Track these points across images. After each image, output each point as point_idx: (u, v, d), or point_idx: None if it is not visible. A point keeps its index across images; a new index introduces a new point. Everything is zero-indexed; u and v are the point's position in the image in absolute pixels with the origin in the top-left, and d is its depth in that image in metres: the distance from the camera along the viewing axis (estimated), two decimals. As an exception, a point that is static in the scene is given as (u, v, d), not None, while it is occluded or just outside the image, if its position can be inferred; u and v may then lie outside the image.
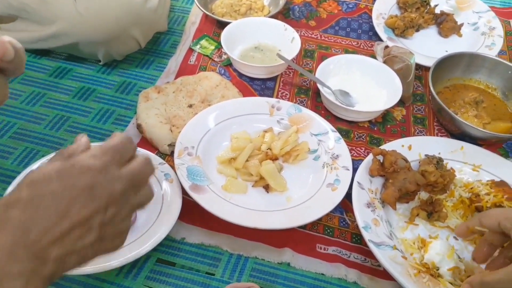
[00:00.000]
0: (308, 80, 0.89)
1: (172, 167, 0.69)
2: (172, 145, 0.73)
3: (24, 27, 0.85)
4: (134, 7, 0.81)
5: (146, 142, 0.75)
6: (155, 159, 0.71)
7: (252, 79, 0.88)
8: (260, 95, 0.86)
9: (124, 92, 0.84)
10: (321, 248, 0.65)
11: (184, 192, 0.66)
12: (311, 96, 0.86)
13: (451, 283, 0.58)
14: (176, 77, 0.87)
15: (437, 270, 0.60)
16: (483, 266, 0.59)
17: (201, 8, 0.95)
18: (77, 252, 0.33)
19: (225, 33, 0.88)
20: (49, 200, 0.32)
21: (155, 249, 0.61)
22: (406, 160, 0.70)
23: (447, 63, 0.85)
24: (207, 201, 0.65)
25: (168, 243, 0.64)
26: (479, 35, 0.98)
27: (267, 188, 0.70)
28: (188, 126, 0.74)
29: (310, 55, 0.94)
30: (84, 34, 0.80)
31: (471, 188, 0.69)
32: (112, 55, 0.86)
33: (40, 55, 0.90)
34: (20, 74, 0.47)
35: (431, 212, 0.67)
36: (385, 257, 0.59)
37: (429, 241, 0.63)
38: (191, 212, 0.67)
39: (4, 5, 0.82)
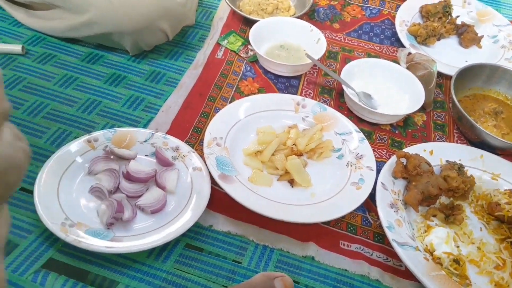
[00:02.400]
0: (331, 80, 0.91)
1: (200, 156, 0.71)
2: None
3: (57, 15, 0.86)
4: (164, 0, 0.82)
5: (176, 129, 0.77)
6: (184, 147, 0.72)
7: (277, 77, 0.90)
8: (284, 92, 0.87)
9: (154, 81, 0.86)
10: (344, 245, 0.67)
11: (211, 181, 0.68)
12: (334, 96, 0.88)
13: (447, 269, 0.63)
14: (203, 70, 0.89)
15: (434, 251, 0.64)
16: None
17: (229, 4, 0.97)
18: None
19: (253, 30, 0.89)
20: None
21: (184, 235, 0.62)
22: (429, 164, 0.72)
23: (468, 72, 0.87)
24: (235, 191, 0.66)
25: (196, 230, 0.65)
26: (498, 47, 1.00)
27: (291, 182, 0.72)
28: (217, 117, 0.75)
29: (334, 57, 0.96)
30: (114, 23, 0.81)
31: (487, 196, 0.72)
32: (141, 46, 0.87)
33: (72, 42, 0.91)
34: None
35: (449, 215, 0.70)
36: (408, 257, 0.61)
37: (433, 226, 0.67)
38: (219, 200, 0.68)
39: None
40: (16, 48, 0.86)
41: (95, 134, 0.70)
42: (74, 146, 0.68)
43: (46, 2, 0.85)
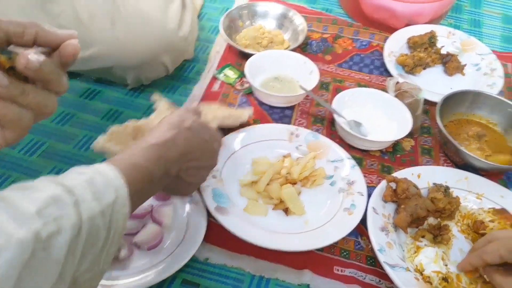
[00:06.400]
0: (323, 110, 0.95)
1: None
2: None
3: None
4: (168, 35, 0.85)
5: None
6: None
7: (271, 108, 0.94)
8: (279, 123, 0.91)
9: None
10: (338, 270, 0.69)
11: (207, 214, 0.70)
12: (326, 125, 0.92)
13: (437, 287, 0.65)
14: (200, 103, 0.93)
15: (423, 271, 0.66)
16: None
17: (227, 38, 1.02)
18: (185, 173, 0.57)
19: (249, 63, 0.94)
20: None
21: (180, 270, 0.63)
22: (417, 187, 0.75)
23: (453, 99, 0.91)
24: (231, 223, 0.68)
25: (192, 264, 0.66)
26: (481, 75, 1.04)
27: (286, 211, 0.74)
28: (213, 149, 0.79)
29: (326, 87, 1.01)
30: (119, 58, 0.84)
31: (473, 215, 0.75)
32: (141, 80, 0.91)
33: (70, 77, 0.94)
34: (61, 89, 0.47)
35: (437, 235, 0.72)
36: (399, 279, 0.63)
37: (422, 247, 0.70)
38: (215, 233, 0.70)
39: None
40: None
41: (94, 170, 0.72)
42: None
43: None
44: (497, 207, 0.76)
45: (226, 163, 0.79)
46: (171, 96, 0.94)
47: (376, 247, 0.67)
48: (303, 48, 1.09)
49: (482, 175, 0.82)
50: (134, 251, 0.65)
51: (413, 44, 1.07)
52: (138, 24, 0.83)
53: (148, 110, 0.90)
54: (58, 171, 0.77)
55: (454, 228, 0.75)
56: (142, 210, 0.69)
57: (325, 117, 0.94)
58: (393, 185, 0.75)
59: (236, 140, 0.82)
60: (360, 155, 0.87)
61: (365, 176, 0.82)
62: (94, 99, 0.91)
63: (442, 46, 1.08)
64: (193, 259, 0.66)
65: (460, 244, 0.73)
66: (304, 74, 0.96)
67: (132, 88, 0.94)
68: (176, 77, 0.98)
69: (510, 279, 0.58)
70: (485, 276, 0.64)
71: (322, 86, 1.01)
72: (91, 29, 0.82)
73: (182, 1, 0.91)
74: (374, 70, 1.06)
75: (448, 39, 1.11)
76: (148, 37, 0.83)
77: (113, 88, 0.94)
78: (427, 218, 0.74)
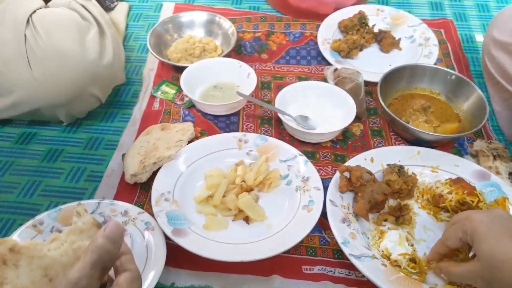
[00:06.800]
0: (268, 110, 0.94)
1: (151, 214, 0.71)
2: (135, 175, 0.76)
3: None
4: (90, 66, 0.82)
5: (124, 191, 0.77)
6: (133, 210, 0.72)
7: (216, 117, 0.92)
8: (226, 130, 0.89)
9: (93, 148, 0.86)
10: (307, 269, 0.68)
11: (167, 237, 0.68)
12: (274, 125, 0.91)
13: (406, 269, 0.65)
14: (141, 124, 0.90)
15: (390, 255, 0.66)
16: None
17: (156, 56, 0.99)
18: None
19: (184, 77, 0.91)
20: None
21: (146, 299, 0.61)
22: (370, 173, 0.75)
23: (392, 76, 0.92)
24: (191, 243, 0.66)
25: (158, 291, 0.64)
26: (416, 46, 1.06)
27: (247, 219, 0.73)
28: (160, 173, 0.76)
29: (267, 87, 0.99)
30: (44, 99, 0.81)
31: (431, 190, 0.76)
32: (74, 115, 0.88)
33: (1, 124, 0.90)
34: None
35: (399, 216, 0.72)
36: (366, 268, 0.63)
37: (386, 231, 0.70)
38: (177, 255, 0.68)
39: None
40: None
41: (39, 217, 0.69)
42: (16, 236, 0.66)
43: None
44: (453, 177, 0.77)
45: (177, 184, 0.76)
46: (111, 125, 0.90)
47: (339, 240, 0.66)
48: (238, 51, 1.07)
49: (435, 147, 0.83)
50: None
51: (344, 28, 1.07)
52: (56, 61, 0.79)
53: (89, 144, 0.86)
54: (6, 222, 0.74)
55: (415, 205, 0.75)
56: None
57: (272, 117, 0.93)
58: (347, 174, 0.75)
59: (183, 158, 0.79)
60: (312, 148, 0.86)
61: (320, 169, 0.81)
62: (31, 143, 0.87)
63: (374, 25, 1.09)
64: (159, 286, 0.64)
65: (423, 221, 0.73)
66: (242, 77, 0.95)
67: (69, 124, 0.89)
68: (113, 104, 0.94)
69: (464, 264, 0.59)
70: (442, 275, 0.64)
71: (263, 86, 0.99)
72: (8, 75, 0.80)
73: (99, 29, 0.88)
74: (312, 61, 1.06)
75: (378, 17, 1.13)
76: (69, 72, 0.80)
77: (48, 127, 0.89)
78: (386, 201, 0.74)
